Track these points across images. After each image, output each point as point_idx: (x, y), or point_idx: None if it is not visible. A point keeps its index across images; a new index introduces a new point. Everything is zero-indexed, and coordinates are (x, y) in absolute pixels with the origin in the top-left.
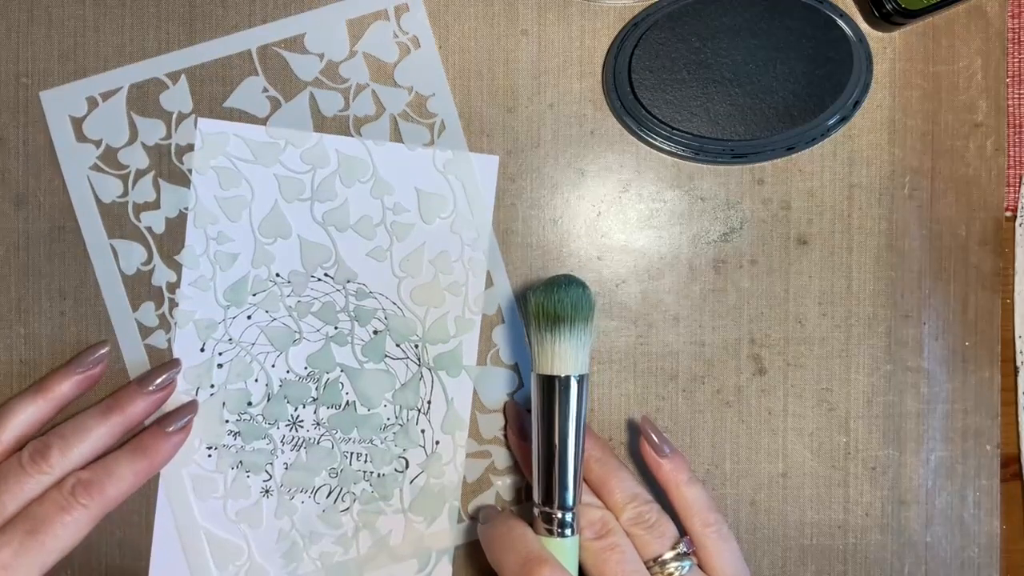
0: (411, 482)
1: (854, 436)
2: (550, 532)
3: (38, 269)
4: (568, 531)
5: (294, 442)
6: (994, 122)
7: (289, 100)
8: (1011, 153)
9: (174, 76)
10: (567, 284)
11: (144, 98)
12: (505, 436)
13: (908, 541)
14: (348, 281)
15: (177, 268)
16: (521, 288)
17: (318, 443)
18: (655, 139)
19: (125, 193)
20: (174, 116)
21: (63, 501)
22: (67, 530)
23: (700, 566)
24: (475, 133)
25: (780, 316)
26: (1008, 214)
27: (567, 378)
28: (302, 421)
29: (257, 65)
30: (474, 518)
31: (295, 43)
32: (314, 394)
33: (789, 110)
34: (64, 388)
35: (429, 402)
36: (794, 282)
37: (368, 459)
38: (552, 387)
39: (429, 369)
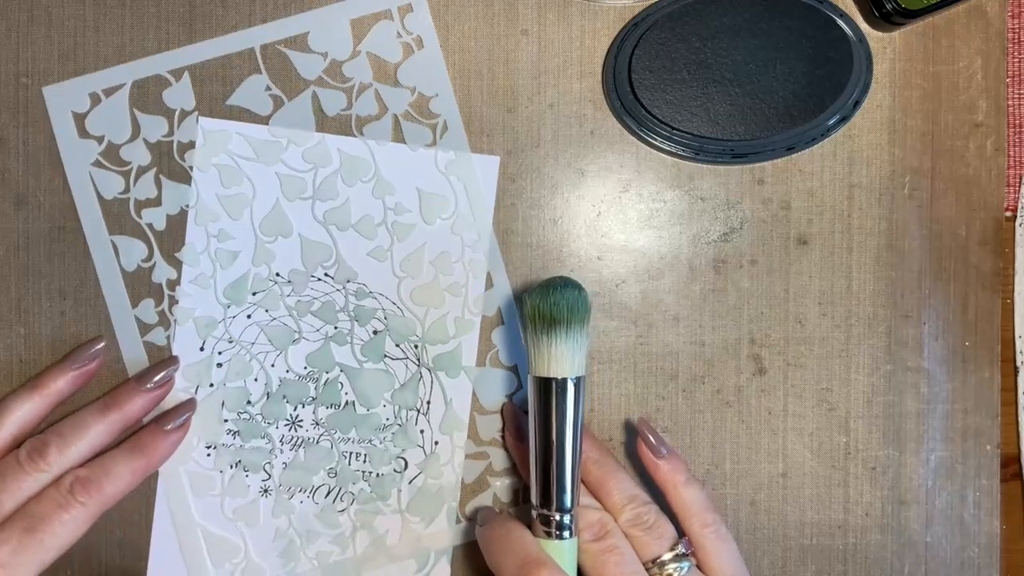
0: (409, 482)
1: (854, 436)
2: (548, 534)
3: (38, 269)
4: (566, 533)
5: (293, 441)
6: (994, 122)
7: (292, 99)
8: (1011, 153)
9: (177, 73)
10: (563, 286)
11: (147, 95)
12: (503, 438)
13: (908, 541)
14: (348, 281)
15: (177, 265)
16: (521, 289)
17: (317, 443)
18: (655, 139)
19: (127, 189)
20: (176, 113)
21: (61, 499)
22: (65, 528)
23: (699, 567)
24: (475, 133)
25: (780, 316)
26: (1008, 214)
27: (564, 380)
28: (301, 421)
29: (260, 63)
30: (472, 519)
31: (298, 42)
32: (313, 393)
33: (789, 110)
34: (60, 384)
35: (428, 402)
36: (794, 282)
37: (366, 459)
38: (549, 389)
39: (428, 370)
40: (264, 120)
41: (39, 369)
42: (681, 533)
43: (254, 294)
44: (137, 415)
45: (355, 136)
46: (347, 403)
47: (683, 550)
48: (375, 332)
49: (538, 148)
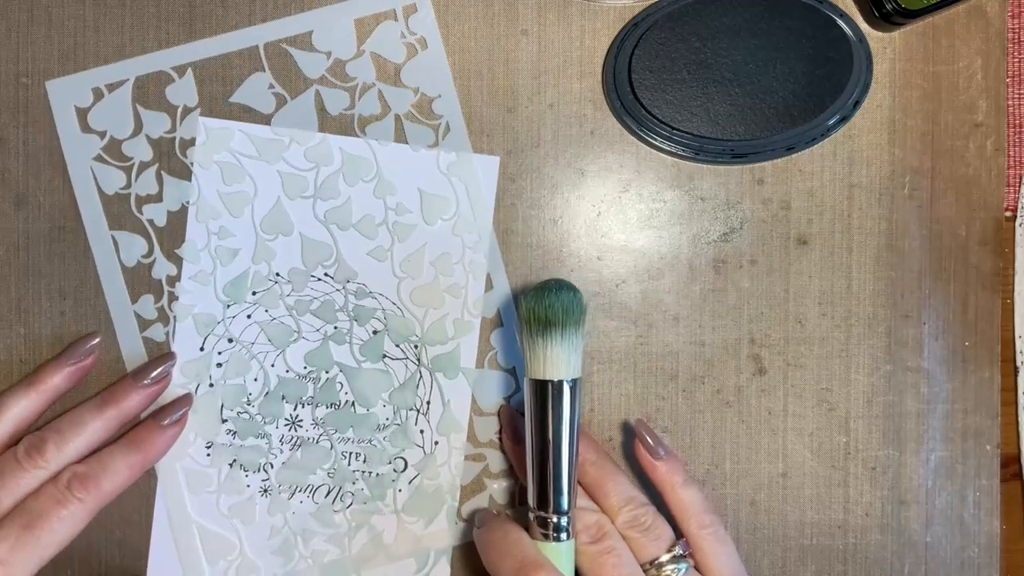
0: (409, 483)
1: (854, 436)
2: (546, 536)
3: (38, 269)
4: (563, 535)
5: (291, 440)
6: (994, 122)
7: (295, 97)
8: (1011, 153)
9: (180, 70)
10: (558, 289)
11: (149, 91)
12: (500, 440)
13: (908, 541)
14: (348, 280)
15: (178, 262)
16: (520, 291)
17: (316, 442)
18: (655, 139)
19: (128, 185)
20: (179, 110)
21: (59, 495)
22: (63, 524)
23: (697, 568)
24: (475, 133)
25: (780, 316)
26: (1008, 214)
27: (560, 382)
28: (301, 421)
29: (264, 61)
30: (469, 521)
31: (302, 40)
32: (311, 393)
33: (789, 110)
34: (56, 380)
35: (428, 402)
36: (794, 282)
37: (364, 459)
38: (545, 392)
39: (428, 370)
40: (266, 118)
41: None
42: (679, 534)
43: (254, 293)
44: (134, 411)
45: (357, 136)
46: (345, 403)
47: (681, 551)
48: (374, 332)
49: (538, 148)
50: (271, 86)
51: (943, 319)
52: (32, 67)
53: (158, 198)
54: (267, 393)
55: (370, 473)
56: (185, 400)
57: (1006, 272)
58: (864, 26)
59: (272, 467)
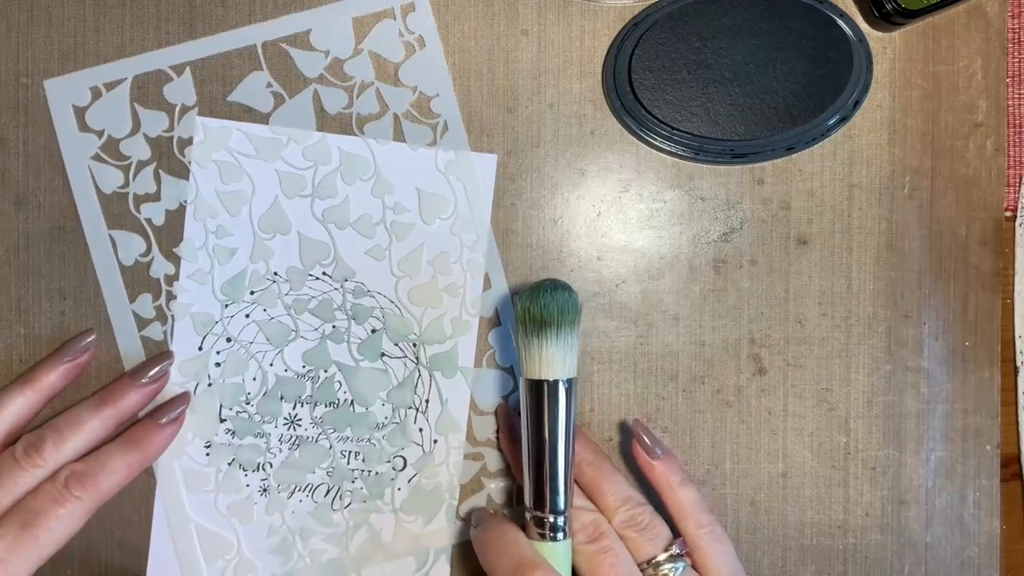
0: (408, 481)
1: (854, 436)
2: (542, 536)
3: (38, 269)
4: (560, 535)
5: (290, 440)
6: (994, 122)
7: (293, 96)
8: (1011, 153)
9: (178, 69)
10: (552, 289)
11: (147, 90)
12: (497, 439)
13: (908, 541)
14: (346, 279)
15: (175, 261)
16: (518, 291)
17: (315, 441)
18: (655, 139)
19: (126, 184)
20: (177, 109)
21: (56, 493)
22: (61, 523)
23: (694, 567)
24: (475, 133)
25: (780, 316)
26: (1008, 214)
27: (555, 382)
28: (299, 419)
29: (262, 60)
30: (466, 520)
31: (300, 39)
32: (309, 392)
33: (789, 110)
34: (52, 378)
35: (427, 401)
36: (794, 282)
37: (362, 458)
38: (540, 392)
39: (426, 369)
40: (264, 117)
41: None
42: (676, 534)
43: (252, 292)
44: (132, 410)
45: (355, 135)
46: (344, 402)
47: (677, 551)
48: (372, 331)
49: (538, 148)
50: (269, 85)
51: (943, 319)
52: (32, 67)
53: (156, 197)
54: (265, 392)
55: (369, 472)
56: (183, 398)
57: (1006, 272)
58: (864, 26)
59: (271, 466)
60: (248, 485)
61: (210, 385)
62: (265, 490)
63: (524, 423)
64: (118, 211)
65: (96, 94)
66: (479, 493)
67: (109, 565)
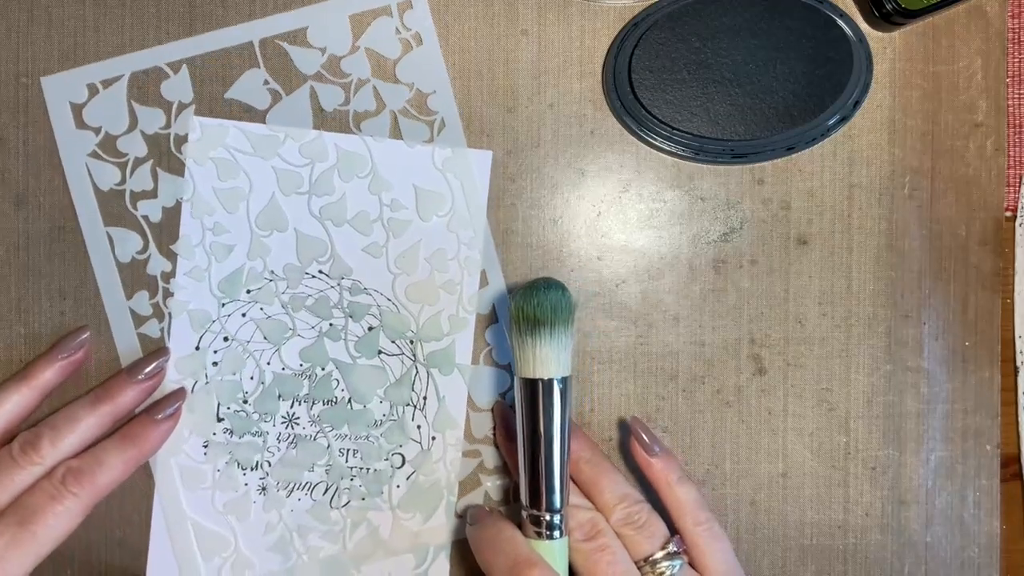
0: (407, 479)
1: (854, 436)
2: (539, 534)
3: (38, 269)
4: (556, 533)
5: (287, 438)
6: (994, 122)
7: (290, 93)
8: (1011, 153)
9: (175, 66)
10: (546, 287)
11: (144, 87)
12: (494, 436)
13: (908, 541)
14: (343, 277)
15: (172, 258)
16: (514, 288)
17: (312, 439)
18: (655, 139)
19: (123, 181)
20: (174, 106)
21: (53, 490)
22: (59, 519)
23: (692, 565)
24: (475, 133)
25: (780, 316)
26: (1008, 214)
27: (549, 381)
28: (297, 417)
29: (259, 57)
30: (462, 517)
31: (297, 36)
32: (306, 389)
33: (789, 110)
34: (48, 375)
35: (424, 398)
36: (794, 282)
37: (360, 455)
38: (535, 390)
39: (423, 366)
40: (261, 114)
41: None
42: (674, 531)
43: (248, 291)
44: (128, 406)
45: (352, 132)
46: (340, 399)
47: (674, 548)
48: (369, 328)
49: (538, 148)
50: (266, 82)
51: (943, 319)
52: (32, 67)
53: (153, 194)
54: (262, 390)
55: (367, 469)
56: (179, 395)
57: (1006, 272)
58: (864, 26)
59: (269, 465)
60: (247, 484)
61: (207, 383)
62: (263, 488)
63: (519, 422)
64: (115, 208)
65: (93, 91)
66: (476, 490)
67: (109, 565)
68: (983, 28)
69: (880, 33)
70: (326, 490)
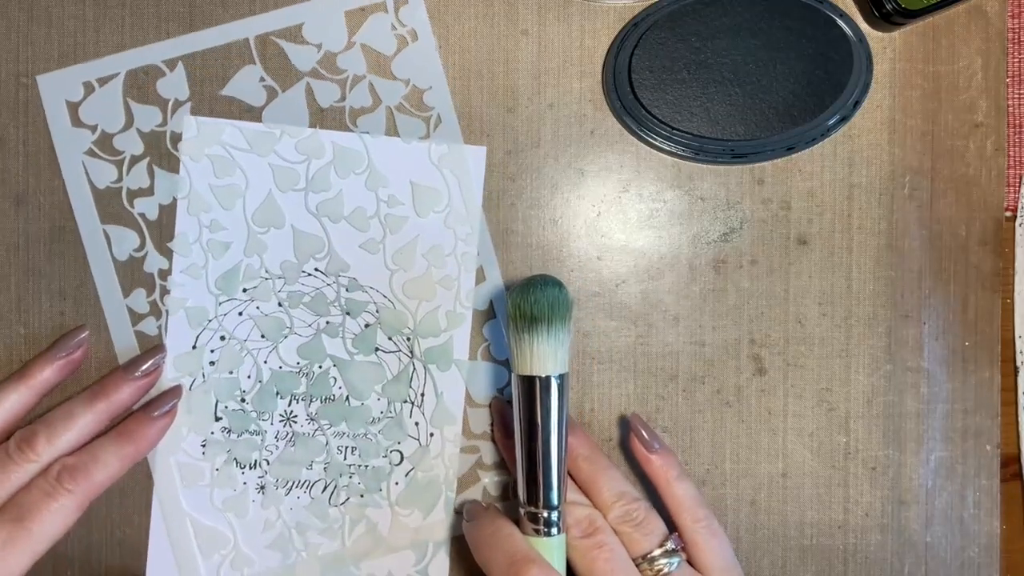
0: (405, 475)
1: (854, 436)
2: (536, 531)
3: (38, 269)
4: (554, 530)
5: (285, 435)
6: (994, 122)
7: (286, 90)
8: (1011, 153)
9: (171, 63)
10: (543, 284)
11: (140, 84)
12: (492, 432)
13: (908, 541)
14: (340, 274)
15: (169, 255)
16: (511, 286)
17: (311, 436)
18: (655, 139)
19: (119, 179)
20: (170, 103)
21: (49, 487)
22: (54, 516)
23: (690, 562)
24: (475, 133)
25: (780, 316)
26: (1008, 214)
27: (547, 378)
28: (295, 415)
29: (254, 54)
30: (459, 513)
31: (293, 33)
32: (304, 387)
33: (789, 110)
34: (46, 374)
35: (422, 394)
36: (794, 282)
37: (358, 452)
38: (532, 387)
39: (420, 362)
40: (257, 111)
41: None
42: (672, 528)
43: (245, 290)
44: (125, 404)
45: (349, 128)
46: (338, 396)
47: (673, 546)
48: (367, 325)
49: (538, 148)
50: (262, 79)
51: (943, 319)
52: (32, 67)
53: (149, 192)
54: (260, 388)
55: (365, 466)
56: (175, 392)
57: (1006, 272)
58: (864, 26)
59: (267, 463)
60: (245, 483)
61: (204, 380)
62: (262, 486)
63: (516, 419)
64: (111, 206)
65: (89, 89)
66: (475, 486)
67: (109, 565)
68: (983, 28)
69: (880, 33)
70: (325, 487)
